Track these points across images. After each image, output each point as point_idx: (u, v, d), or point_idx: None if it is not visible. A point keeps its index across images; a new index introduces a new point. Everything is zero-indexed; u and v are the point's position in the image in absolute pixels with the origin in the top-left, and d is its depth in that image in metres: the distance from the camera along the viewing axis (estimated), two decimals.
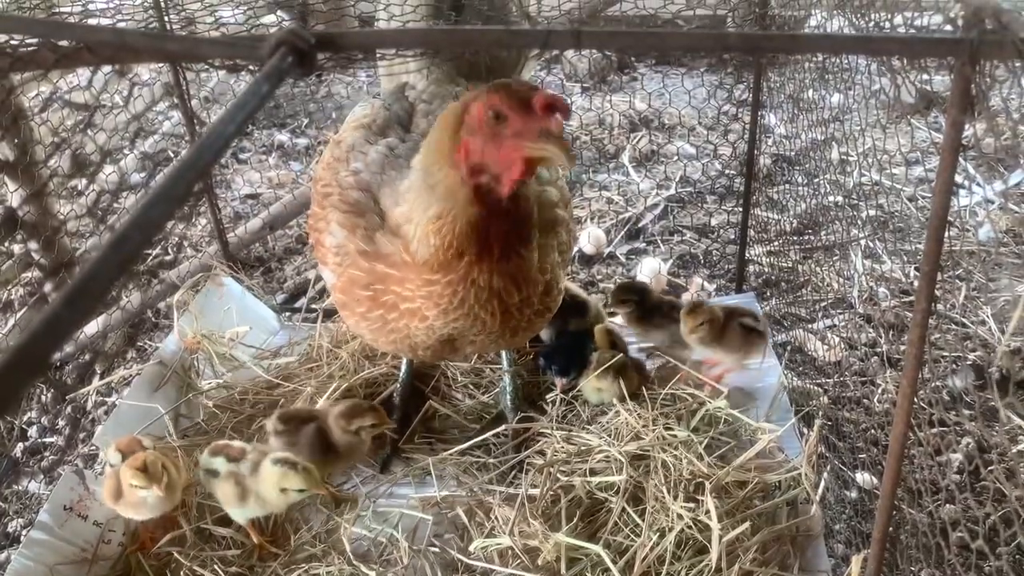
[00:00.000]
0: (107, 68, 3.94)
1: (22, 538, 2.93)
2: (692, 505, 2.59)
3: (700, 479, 2.69)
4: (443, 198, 2.15)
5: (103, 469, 2.97)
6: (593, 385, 3.02)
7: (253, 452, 2.63)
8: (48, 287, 3.93)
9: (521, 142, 1.97)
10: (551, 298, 2.57)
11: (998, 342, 3.49)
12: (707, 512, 2.54)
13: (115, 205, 4.55)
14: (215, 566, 2.62)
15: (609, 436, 2.89)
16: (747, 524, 2.50)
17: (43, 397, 4.13)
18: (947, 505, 2.63)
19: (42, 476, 3.79)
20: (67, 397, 4.04)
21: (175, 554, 2.65)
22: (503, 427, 3.02)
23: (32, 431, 4.05)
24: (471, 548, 2.60)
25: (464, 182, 2.11)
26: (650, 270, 4.40)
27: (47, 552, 2.61)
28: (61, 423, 4.05)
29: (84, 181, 4.28)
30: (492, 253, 2.23)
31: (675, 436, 2.86)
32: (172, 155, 5.67)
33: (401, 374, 3.24)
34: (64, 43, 1.58)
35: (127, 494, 2.61)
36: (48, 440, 4.01)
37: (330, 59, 2.03)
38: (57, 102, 3.93)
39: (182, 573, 2.63)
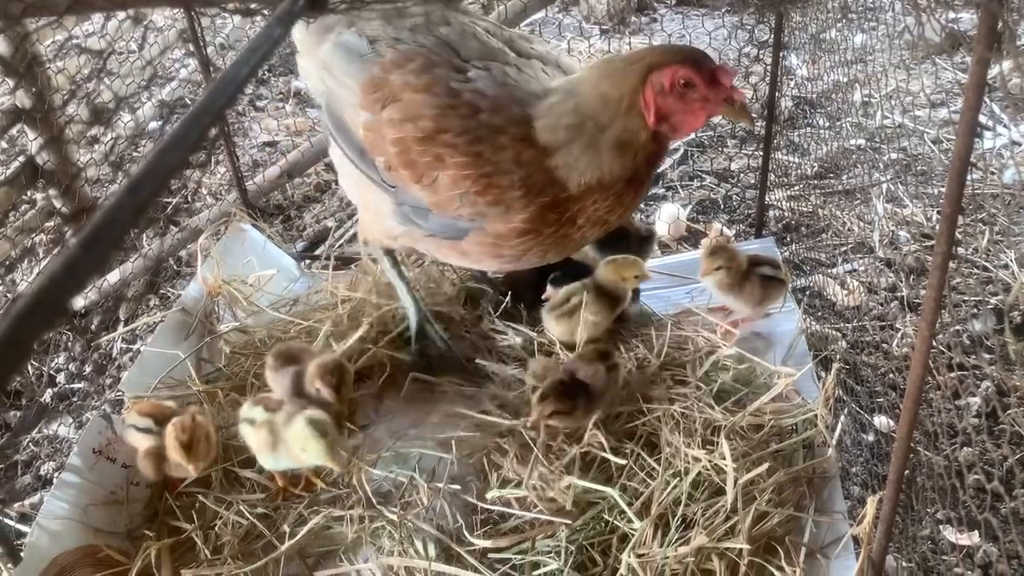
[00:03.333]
0: (121, 15, 3.92)
1: (54, 480, 3.01)
2: (709, 448, 2.62)
3: (716, 424, 2.71)
4: (621, 139, 2.51)
5: (123, 420, 3.03)
6: (554, 324, 3.05)
7: (291, 404, 2.63)
8: (69, 235, 3.97)
9: (708, 105, 2.44)
10: None
11: (1019, 286, 3.45)
12: (722, 455, 2.56)
13: (134, 153, 4.57)
14: (240, 507, 2.69)
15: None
16: (764, 466, 2.52)
17: (70, 344, 4.21)
18: (964, 448, 2.64)
19: (71, 421, 3.88)
20: (92, 344, 4.11)
21: (200, 497, 2.72)
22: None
23: (60, 377, 4.14)
24: (488, 495, 2.65)
25: (646, 127, 2.50)
26: (669, 216, 4.37)
27: (80, 494, 2.68)
28: (88, 369, 4.14)
29: (102, 129, 4.29)
30: (644, 178, 2.66)
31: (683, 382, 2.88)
32: (189, 103, 5.66)
33: (411, 312, 3.24)
34: None
35: (170, 463, 2.67)
36: (76, 386, 4.10)
37: (342, 0, 2.01)
38: (73, 49, 3.92)
39: (208, 514, 2.70)
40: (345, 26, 2.82)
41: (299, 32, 2.93)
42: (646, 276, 3.06)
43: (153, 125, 5.19)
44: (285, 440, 2.55)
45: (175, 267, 4.60)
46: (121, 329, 4.10)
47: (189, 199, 4.99)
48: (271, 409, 2.61)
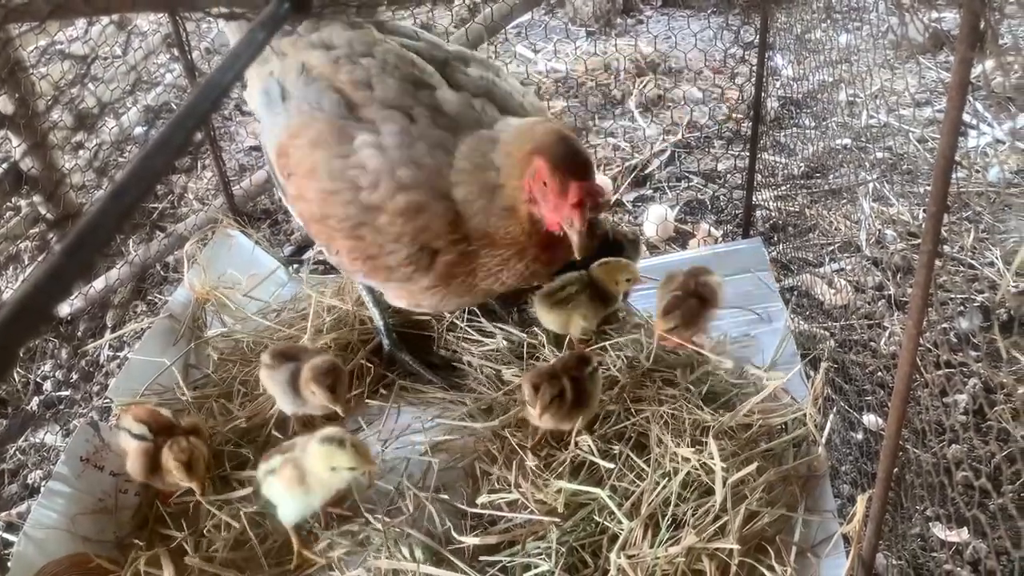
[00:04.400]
0: (105, 20, 3.90)
1: (41, 489, 2.98)
2: (698, 448, 2.63)
3: (704, 425, 2.72)
4: (508, 203, 2.46)
5: (116, 422, 3.02)
6: (544, 312, 3.05)
7: (303, 438, 2.59)
8: (55, 241, 3.94)
9: (555, 213, 2.35)
10: None
11: (1006, 284, 3.48)
12: (710, 455, 2.57)
13: (119, 159, 4.54)
14: (232, 511, 2.68)
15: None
16: (753, 465, 2.52)
17: (56, 352, 4.18)
18: (952, 445, 2.65)
19: (58, 429, 3.85)
20: (79, 351, 4.08)
21: (195, 498, 2.70)
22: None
23: (47, 385, 4.10)
24: (478, 501, 2.65)
25: (525, 203, 2.44)
26: (657, 217, 4.38)
27: (67, 503, 2.66)
28: (75, 377, 4.11)
29: (86, 134, 4.27)
30: (538, 253, 2.56)
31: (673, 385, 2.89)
32: (175, 108, 5.64)
33: (384, 340, 3.26)
34: None
35: (165, 474, 2.66)
36: (63, 394, 4.07)
37: (327, 4, 2.01)
38: (56, 55, 3.90)
39: (200, 520, 2.69)
40: (276, 63, 2.80)
41: None
42: (637, 279, 3.07)
43: (138, 130, 5.16)
44: (310, 469, 2.50)
45: (162, 273, 4.57)
46: (108, 336, 4.08)
47: (175, 204, 4.97)
48: (286, 450, 2.57)
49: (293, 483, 2.51)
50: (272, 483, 2.56)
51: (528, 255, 2.55)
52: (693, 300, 2.94)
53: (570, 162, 2.32)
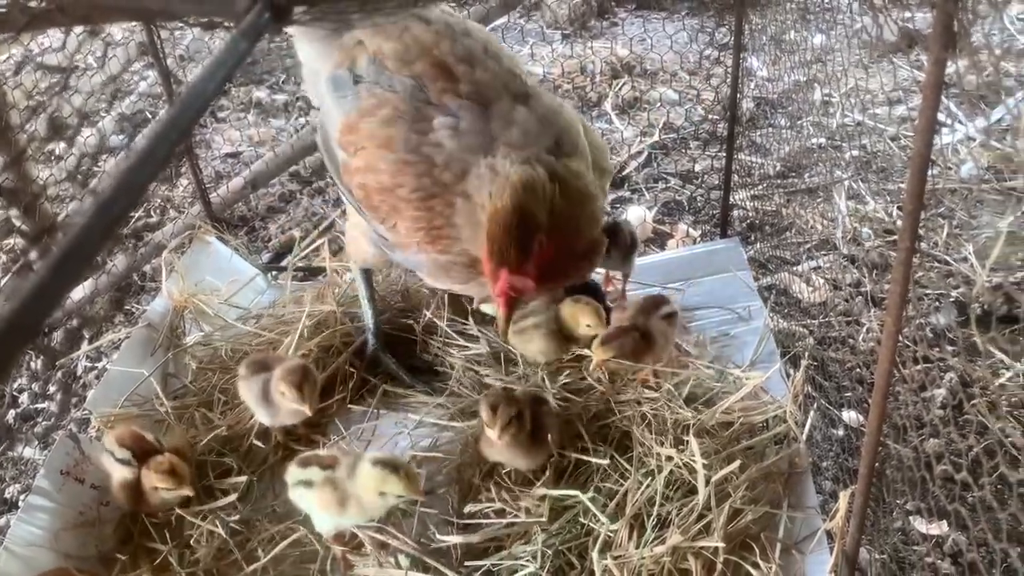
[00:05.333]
0: (79, 29, 3.86)
1: (20, 503, 2.95)
2: (680, 448, 2.64)
3: (686, 423, 2.74)
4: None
5: (97, 434, 2.99)
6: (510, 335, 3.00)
7: (348, 456, 2.55)
8: (32, 253, 3.90)
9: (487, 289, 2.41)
10: None
11: (982, 280, 3.53)
12: (691, 453, 2.58)
13: (95, 168, 4.50)
14: (216, 520, 2.67)
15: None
16: (736, 463, 2.54)
17: (33, 364, 4.13)
18: (931, 439, 2.68)
19: (36, 442, 3.80)
20: (57, 363, 4.03)
21: (177, 512, 2.69)
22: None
23: (23, 398, 4.06)
24: (464, 510, 2.66)
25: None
26: (635, 218, 4.40)
27: (49, 517, 2.63)
28: (52, 389, 4.06)
29: (63, 145, 4.23)
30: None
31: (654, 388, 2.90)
32: (150, 116, 5.60)
33: (370, 337, 3.27)
34: (34, 3, 1.55)
35: (149, 496, 2.65)
36: (40, 406, 4.02)
37: (307, 13, 2.00)
38: (30, 65, 3.86)
39: (184, 532, 2.67)
40: (344, 53, 2.80)
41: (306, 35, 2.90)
42: (600, 327, 2.93)
43: (114, 140, 5.11)
44: (354, 493, 2.46)
45: (139, 282, 4.53)
46: (85, 347, 4.03)
47: (151, 214, 4.92)
48: (328, 466, 2.52)
49: (331, 504, 2.47)
50: (305, 495, 2.53)
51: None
52: (636, 334, 2.85)
53: (502, 250, 2.30)
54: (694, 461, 2.56)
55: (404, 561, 2.49)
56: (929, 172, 1.60)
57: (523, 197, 2.31)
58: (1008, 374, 3.21)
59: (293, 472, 2.57)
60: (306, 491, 2.52)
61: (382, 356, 3.24)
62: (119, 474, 2.68)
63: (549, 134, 2.54)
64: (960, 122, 4.82)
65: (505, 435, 2.56)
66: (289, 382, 2.73)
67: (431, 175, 2.54)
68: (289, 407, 2.78)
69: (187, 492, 2.62)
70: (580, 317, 2.95)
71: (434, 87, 2.59)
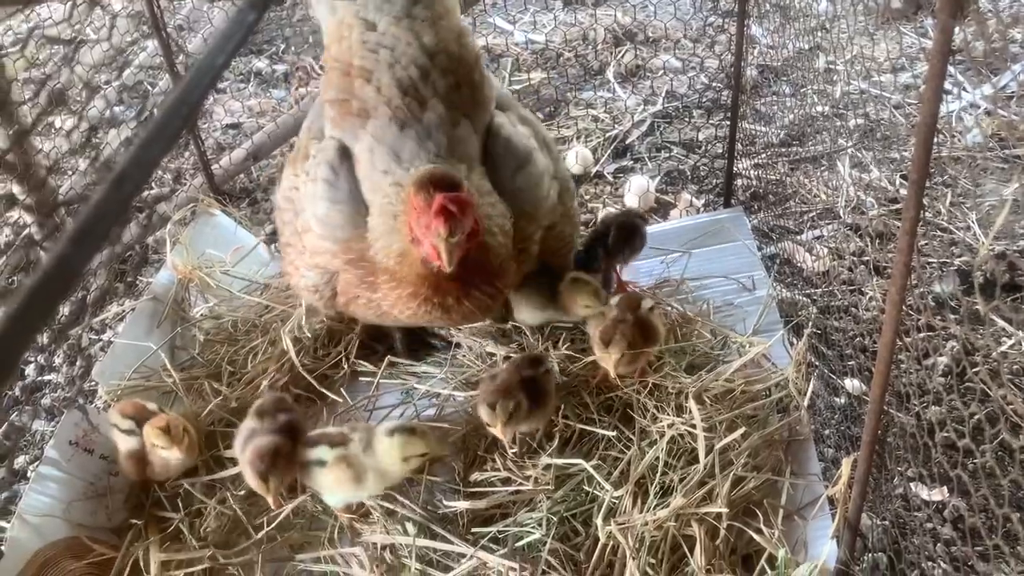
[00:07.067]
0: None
1: (30, 474, 2.98)
2: (684, 418, 2.67)
3: (687, 391, 2.76)
4: (402, 248, 2.43)
5: (104, 406, 3.02)
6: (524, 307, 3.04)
7: (357, 431, 2.55)
8: (36, 228, 3.90)
9: (428, 233, 2.24)
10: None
11: (985, 249, 3.52)
12: (691, 417, 2.61)
13: (97, 140, 4.48)
14: (226, 492, 2.70)
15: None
16: (739, 431, 2.57)
17: (39, 336, 4.14)
18: (933, 407, 2.70)
19: (44, 414, 3.83)
20: (61, 335, 4.05)
21: (186, 485, 2.72)
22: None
23: (29, 370, 4.07)
24: (471, 478, 2.68)
25: (410, 243, 2.37)
26: (638, 188, 4.39)
27: (59, 488, 2.67)
28: (58, 361, 4.08)
29: (64, 118, 4.21)
30: (448, 292, 2.47)
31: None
32: (149, 87, 5.56)
33: None
34: None
35: (154, 461, 2.66)
36: (47, 378, 4.04)
37: None
38: (34, 36, 3.83)
39: (195, 502, 2.70)
40: None
41: None
42: (597, 308, 2.89)
43: (117, 111, 5.09)
44: (373, 466, 2.47)
45: (142, 255, 4.53)
46: (90, 319, 4.05)
47: (168, 185, 4.90)
48: (337, 443, 2.51)
49: (346, 482, 2.48)
50: (319, 475, 2.51)
51: (418, 296, 2.48)
52: (630, 320, 2.77)
53: (433, 178, 2.29)
54: (694, 429, 2.59)
55: (412, 528, 2.53)
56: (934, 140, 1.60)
57: (433, 170, 2.35)
58: (1010, 342, 3.23)
59: (305, 455, 2.54)
60: (319, 471, 2.50)
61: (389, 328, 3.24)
62: (125, 444, 2.70)
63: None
64: (965, 90, 4.79)
65: (510, 430, 2.58)
66: (254, 468, 2.51)
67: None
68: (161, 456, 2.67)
69: (178, 454, 2.61)
70: (577, 295, 2.92)
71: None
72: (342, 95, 2.64)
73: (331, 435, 2.56)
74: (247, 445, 2.54)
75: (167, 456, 2.64)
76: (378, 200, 2.50)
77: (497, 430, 2.56)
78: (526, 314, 3.06)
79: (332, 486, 2.52)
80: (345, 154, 2.62)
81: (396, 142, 2.52)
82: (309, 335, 3.18)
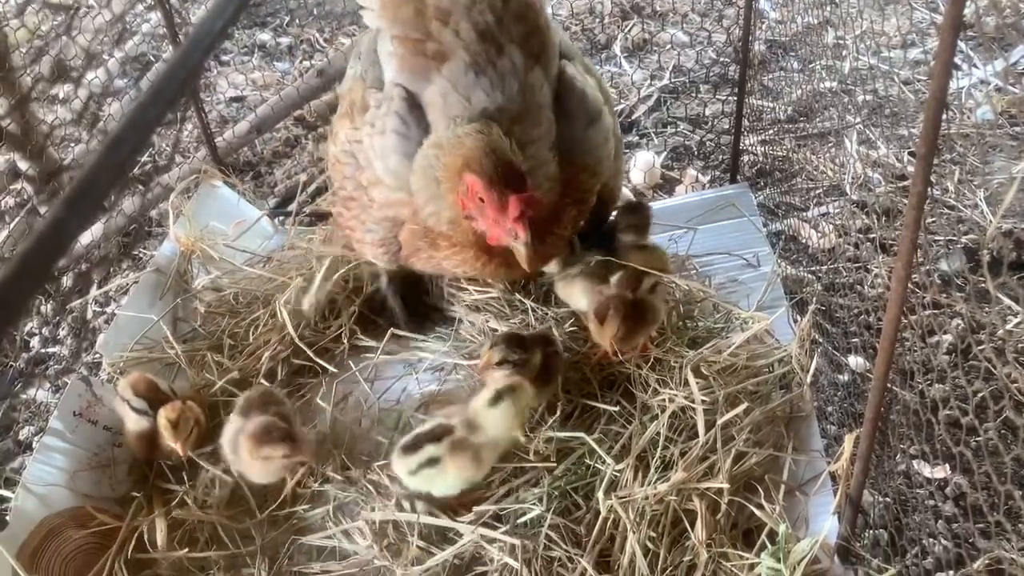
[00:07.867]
0: None
1: (34, 445, 3.00)
2: (684, 391, 2.66)
3: (690, 366, 2.75)
4: (452, 216, 2.52)
5: (108, 377, 3.02)
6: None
7: (453, 417, 2.45)
8: (38, 197, 3.89)
9: (496, 228, 2.37)
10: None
11: (994, 226, 3.50)
12: (690, 392, 2.60)
13: (100, 112, 4.47)
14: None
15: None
16: (742, 406, 2.56)
17: (43, 308, 4.15)
18: (937, 384, 2.69)
19: (48, 385, 3.85)
20: (67, 307, 4.06)
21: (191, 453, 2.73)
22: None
23: (34, 342, 4.09)
24: None
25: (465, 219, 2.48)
26: (644, 164, 4.37)
27: (64, 458, 2.68)
28: (62, 333, 4.09)
29: (68, 88, 4.19)
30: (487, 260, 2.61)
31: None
32: (153, 59, 5.53)
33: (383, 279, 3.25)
34: None
35: (161, 444, 2.66)
36: (51, 350, 4.06)
37: None
38: (34, 3, 3.81)
39: (199, 470, 2.72)
40: None
41: None
42: (662, 273, 2.90)
43: (119, 83, 5.06)
44: (486, 442, 2.40)
45: (146, 227, 4.53)
46: (94, 291, 4.06)
47: (165, 158, 4.89)
48: (438, 437, 2.40)
49: (467, 466, 2.39)
50: (435, 475, 2.40)
51: (480, 259, 2.60)
52: (624, 297, 2.73)
53: (504, 176, 2.30)
54: (693, 403, 2.58)
55: (418, 505, 2.52)
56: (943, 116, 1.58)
57: (483, 134, 2.37)
58: (1016, 320, 3.21)
59: (400, 465, 2.43)
60: (436, 470, 2.39)
61: (391, 299, 3.23)
62: (135, 424, 2.69)
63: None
64: (975, 65, 4.74)
65: (494, 371, 2.58)
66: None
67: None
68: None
69: (181, 450, 2.61)
70: (652, 262, 2.90)
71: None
72: (415, 33, 2.58)
73: (430, 432, 2.44)
74: (240, 438, 2.54)
75: (175, 447, 2.65)
76: (420, 158, 2.52)
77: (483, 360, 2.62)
78: (582, 301, 3.01)
79: (454, 476, 2.40)
80: (413, 103, 2.58)
81: (469, 88, 2.51)
82: (307, 308, 3.16)
